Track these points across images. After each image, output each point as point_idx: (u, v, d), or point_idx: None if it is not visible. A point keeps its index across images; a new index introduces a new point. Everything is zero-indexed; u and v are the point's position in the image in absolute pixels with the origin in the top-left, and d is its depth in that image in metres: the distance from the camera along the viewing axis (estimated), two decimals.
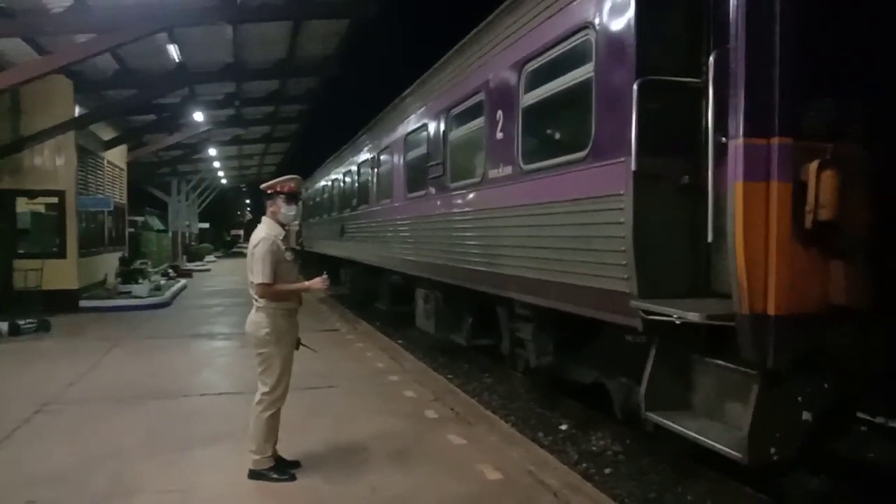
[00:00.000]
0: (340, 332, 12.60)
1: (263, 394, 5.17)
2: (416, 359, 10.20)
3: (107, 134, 20.85)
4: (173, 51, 14.84)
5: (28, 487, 4.99)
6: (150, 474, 5.31)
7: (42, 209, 16.69)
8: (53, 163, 16.48)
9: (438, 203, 9.40)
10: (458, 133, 8.96)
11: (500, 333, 8.32)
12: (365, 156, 15.29)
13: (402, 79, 12.68)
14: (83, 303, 16.40)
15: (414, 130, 10.91)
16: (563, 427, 7.37)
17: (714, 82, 4.05)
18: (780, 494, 5.26)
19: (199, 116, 20.72)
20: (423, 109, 10.48)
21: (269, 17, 13.63)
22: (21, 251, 16.13)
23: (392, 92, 12.86)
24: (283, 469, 5.22)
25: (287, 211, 5.37)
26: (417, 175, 10.56)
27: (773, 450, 3.89)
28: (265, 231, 5.21)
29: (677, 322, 4.14)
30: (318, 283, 5.32)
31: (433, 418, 6.81)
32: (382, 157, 13.45)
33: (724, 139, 3.98)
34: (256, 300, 5.17)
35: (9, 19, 11.55)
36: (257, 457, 5.17)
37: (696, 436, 4.18)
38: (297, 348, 5.35)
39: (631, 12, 4.71)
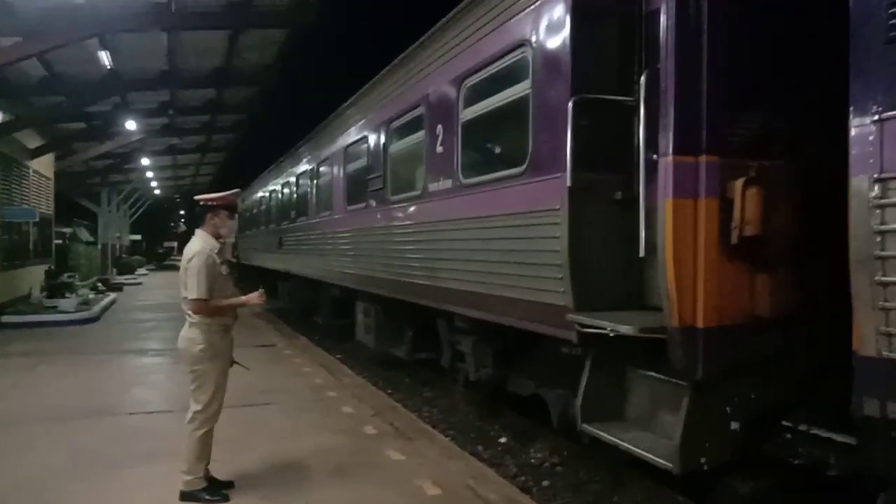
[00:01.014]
0: (278, 348, 12.44)
1: (196, 412, 5.03)
2: (356, 374, 10.13)
3: (33, 142, 20.22)
4: (105, 57, 14.41)
5: None
6: (75, 497, 5.16)
7: None
8: None
9: (379, 216, 9.38)
10: (398, 146, 8.98)
11: (441, 347, 8.34)
12: (304, 167, 15.16)
13: (342, 90, 12.66)
14: (6, 318, 15.85)
15: (354, 142, 10.87)
16: (503, 440, 7.41)
17: (645, 101, 4.18)
18: (712, 500, 5.38)
19: (131, 125, 20.25)
20: (363, 121, 10.46)
21: (205, 24, 13.45)
22: None
23: (332, 103, 12.81)
24: (215, 490, 5.09)
25: (231, 224, 5.31)
26: (358, 187, 10.51)
27: (703, 459, 4.00)
28: (200, 244, 5.08)
29: (611, 335, 4.23)
30: (255, 297, 5.25)
31: (372, 434, 6.77)
32: (322, 169, 13.36)
33: (654, 156, 4.10)
34: (190, 316, 5.05)
35: None
36: (189, 477, 5.02)
37: (629, 446, 4.27)
38: (231, 366, 5.25)
39: (566, 31, 4.81)
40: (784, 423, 6.43)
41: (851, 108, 3.05)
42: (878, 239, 2.92)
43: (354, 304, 11.44)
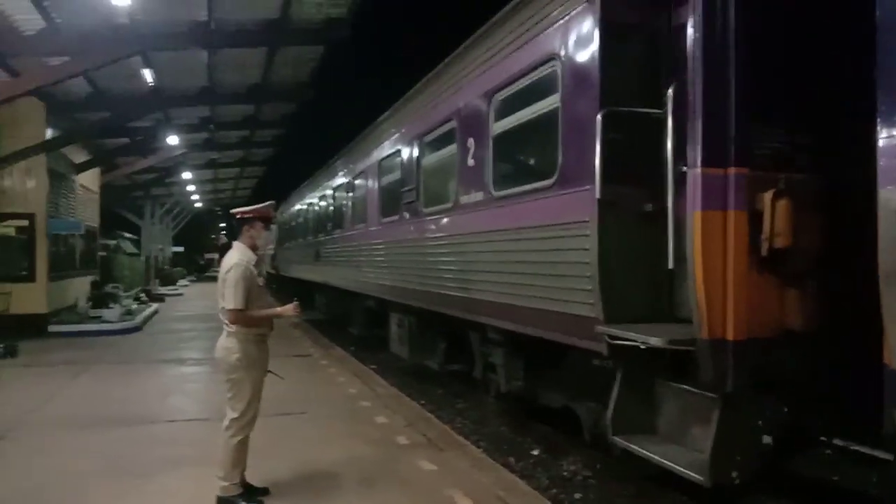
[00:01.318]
0: (313, 357, 12.55)
1: (232, 419, 5.13)
2: (389, 384, 10.16)
3: (79, 157, 20.76)
4: (147, 74, 14.89)
5: None
6: (111, 500, 5.29)
7: (11, 232, 16.46)
8: (24, 185, 16.38)
9: (412, 228, 9.48)
10: (430, 159, 9.09)
11: (473, 358, 8.37)
12: (340, 180, 15.37)
13: (376, 104, 12.87)
14: (52, 327, 16.18)
15: (388, 156, 11.02)
16: (535, 452, 7.37)
17: (673, 114, 4.19)
18: None
19: (173, 140, 20.78)
20: (396, 135, 10.60)
21: (243, 43, 13.81)
22: None
23: (367, 117, 13.02)
24: (251, 496, 5.17)
25: (267, 236, 5.40)
26: (391, 200, 10.65)
27: (734, 473, 3.98)
28: (238, 257, 5.20)
29: (642, 347, 4.23)
30: (290, 309, 5.32)
31: (404, 444, 6.80)
32: (357, 182, 13.54)
33: (683, 168, 4.10)
34: (227, 326, 5.16)
35: None
36: (225, 483, 5.11)
37: (660, 459, 4.26)
38: (266, 375, 5.35)
39: (595, 45, 4.85)
40: (822, 438, 6.35)
41: (879, 120, 3.03)
42: None
43: (388, 316, 11.55)
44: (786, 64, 3.95)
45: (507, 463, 6.89)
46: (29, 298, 15.97)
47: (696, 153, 3.97)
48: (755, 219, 3.83)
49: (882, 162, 2.99)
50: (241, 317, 5.08)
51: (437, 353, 9.61)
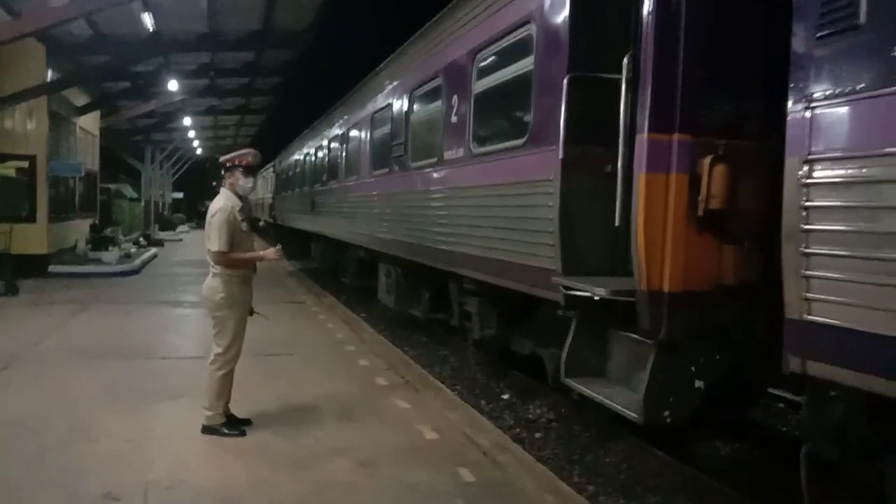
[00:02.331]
0: (306, 305, 12.89)
1: (217, 354, 5.48)
2: (376, 331, 10.51)
3: (80, 100, 20.77)
4: (147, 19, 14.84)
5: None
6: (107, 423, 5.63)
7: (12, 173, 16.63)
8: (24, 127, 16.48)
9: (400, 181, 9.75)
10: (419, 114, 9.31)
11: (452, 307, 8.73)
12: (335, 132, 15.53)
13: (374, 55, 12.89)
14: (52, 268, 16.48)
15: (380, 109, 11.21)
16: (505, 396, 7.79)
17: (627, 81, 4.45)
18: (690, 458, 5.74)
19: (173, 85, 20.77)
20: (388, 89, 10.78)
21: None
22: None
23: (365, 67, 13.08)
24: (234, 425, 5.53)
25: (244, 183, 5.63)
26: (382, 153, 10.89)
27: (666, 412, 4.34)
28: (222, 201, 5.46)
29: (595, 297, 4.58)
30: (272, 253, 5.63)
31: (383, 385, 7.16)
32: (351, 134, 13.72)
33: (634, 133, 4.38)
34: (213, 267, 5.46)
35: None
36: (210, 413, 5.47)
37: (602, 399, 4.64)
38: (251, 315, 5.66)
39: (566, 10, 5.09)
40: (773, 391, 6.76)
41: (789, 97, 3.32)
42: (804, 214, 3.21)
43: (377, 266, 11.89)
44: (733, 38, 4.17)
45: (478, 405, 7.29)
46: (30, 239, 16.10)
47: (644, 119, 4.25)
48: (695, 181, 4.11)
49: (789, 134, 3.30)
50: (223, 259, 5.36)
51: (421, 303, 9.95)
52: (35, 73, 16.19)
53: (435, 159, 8.22)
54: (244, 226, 5.58)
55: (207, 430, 5.47)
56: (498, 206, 6.33)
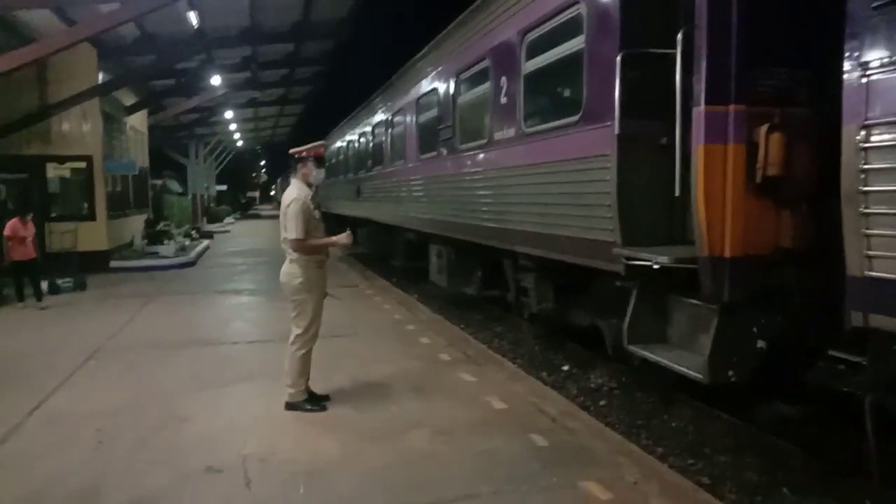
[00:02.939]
0: (360, 288, 13.20)
1: (297, 335, 5.78)
2: (432, 311, 10.78)
3: (129, 99, 21.38)
4: (192, 16, 15.18)
5: (93, 419, 5.66)
6: (197, 407, 5.97)
7: (71, 174, 17.27)
8: (80, 129, 17.04)
9: (449, 164, 9.96)
10: (466, 97, 9.48)
11: (507, 284, 8.94)
12: (379, 118, 15.76)
13: (415, 40, 13.08)
14: (113, 263, 17.11)
15: (426, 94, 11.41)
16: (565, 368, 7.98)
17: (682, 55, 4.59)
18: (755, 420, 5.89)
19: (216, 80, 21.15)
20: (434, 74, 10.96)
21: None
22: (53, 214, 16.75)
23: (405, 53, 13.24)
24: (315, 401, 5.86)
25: (317, 173, 5.95)
26: (429, 137, 11.10)
27: (730, 372, 4.53)
28: (296, 192, 5.74)
29: (655, 266, 4.77)
30: (344, 238, 5.92)
31: (447, 360, 7.40)
32: (396, 120, 13.94)
33: (690, 106, 4.54)
34: (289, 253, 5.75)
35: None
36: (292, 390, 5.79)
37: (667, 362, 4.83)
38: (325, 297, 5.95)
39: None
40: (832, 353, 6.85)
41: (845, 65, 3.47)
42: (863, 176, 3.38)
43: (428, 248, 12.16)
44: (783, 7, 4.28)
45: (540, 377, 7.46)
46: (91, 236, 16.74)
47: (700, 92, 4.39)
48: (752, 150, 4.26)
49: (845, 101, 3.45)
50: (301, 245, 5.65)
51: (474, 281, 10.18)
52: (88, 77, 16.74)
53: (485, 140, 8.40)
54: (316, 213, 5.88)
55: (291, 406, 5.79)
56: (553, 182, 6.52)
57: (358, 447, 4.97)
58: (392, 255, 16.42)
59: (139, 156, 23.37)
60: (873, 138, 3.33)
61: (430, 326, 9.28)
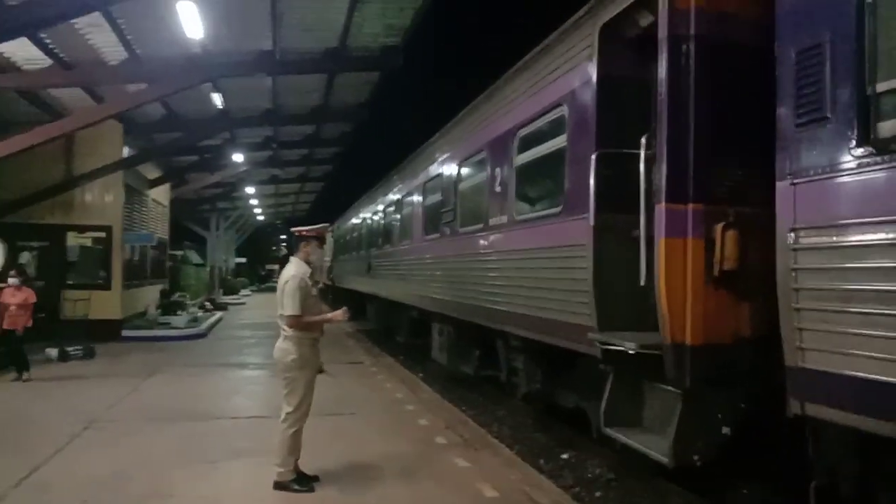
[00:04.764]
0: (364, 365, 13.26)
1: (288, 413, 5.80)
2: (433, 391, 10.77)
3: (152, 173, 22.10)
4: (216, 98, 15.91)
5: (80, 489, 5.77)
6: (183, 482, 6.00)
7: (90, 243, 17.70)
8: (102, 200, 17.66)
9: (449, 245, 10.34)
10: (466, 183, 9.95)
11: (500, 364, 9.11)
12: (389, 198, 16.34)
13: (427, 125, 13.60)
14: (125, 332, 17.38)
15: (431, 178, 11.92)
16: (564, 456, 7.81)
17: (646, 157, 4.98)
18: None
19: (238, 157, 21.93)
20: (439, 160, 11.49)
21: (304, 69, 14.75)
22: (69, 282, 17.17)
23: (418, 137, 13.79)
24: (303, 481, 5.81)
25: (319, 254, 6.19)
26: (433, 219, 11.56)
27: (695, 456, 4.69)
28: (294, 269, 5.94)
29: (629, 351, 5.00)
30: (340, 314, 6.10)
31: (442, 444, 7.34)
32: (404, 201, 14.46)
33: (653, 202, 4.88)
34: (284, 330, 5.87)
35: (69, 71, 12.77)
36: (281, 469, 5.77)
37: (638, 446, 5.00)
38: (321, 373, 6.08)
39: (593, 93, 5.69)
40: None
41: (776, 174, 3.81)
42: (793, 274, 3.66)
43: (430, 325, 12.40)
44: (735, 119, 4.64)
45: (537, 464, 7.30)
46: (105, 305, 17.16)
47: (661, 191, 4.74)
48: (710, 244, 4.55)
49: (778, 206, 3.77)
50: (297, 322, 5.79)
51: (472, 360, 10.35)
52: (113, 151, 17.48)
53: (481, 225, 8.77)
54: (314, 291, 6.05)
55: (279, 486, 5.77)
56: (538, 267, 6.85)
57: None
58: (399, 331, 16.64)
59: (160, 227, 23.98)
60: (801, 240, 3.63)
61: (430, 407, 9.28)
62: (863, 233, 3.32)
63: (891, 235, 3.19)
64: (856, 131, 3.38)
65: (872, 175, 3.29)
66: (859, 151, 3.37)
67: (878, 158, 3.26)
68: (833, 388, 3.44)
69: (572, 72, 6.18)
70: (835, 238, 3.46)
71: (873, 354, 3.23)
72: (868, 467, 3.63)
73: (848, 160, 3.40)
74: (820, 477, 3.84)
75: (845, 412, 3.37)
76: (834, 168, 3.47)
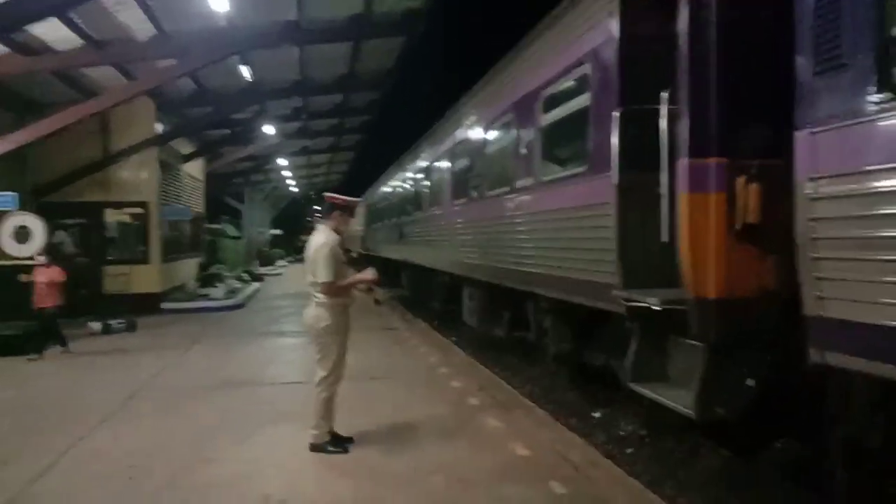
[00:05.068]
0: (399, 331, 13.53)
1: (322, 377, 5.98)
2: (466, 354, 10.97)
3: (186, 148, 22.44)
4: (245, 71, 15.98)
5: (127, 455, 6.00)
6: (225, 447, 6.22)
7: (128, 219, 18.16)
8: (138, 176, 18.04)
9: (477, 209, 10.36)
10: (493, 147, 9.92)
11: (530, 325, 9.19)
12: (419, 165, 16.39)
13: (454, 90, 13.49)
14: (165, 305, 17.82)
15: (459, 143, 11.92)
16: (596, 414, 7.96)
17: (667, 114, 4.93)
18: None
19: (269, 130, 22.07)
20: (465, 125, 11.48)
21: (330, 38, 14.80)
22: (110, 258, 17.67)
23: (445, 102, 13.75)
24: (338, 443, 6.02)
25: (349, 225, 6.32)
26: (461, 184, 11.58)
27: (719, 409, 4.73)
28: (324, 237, 6.03)
29: (654, 307, 5.03)
30: (369, 273, 6.23)
31: (475, 405, 7.50)
32: (433, 167, 14.49)
33: (675, 158, 4.86)
34: (316, 297, 5.99)
35: (100, 50, 12.95)
36: (316, 432, 5.98)
37: (663, 400, 5.04)
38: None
39: (615, 50, 5.65)
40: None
41: (796, 123, 3.77)
42: (812, 224, 3.65)
43: (462, 289, 12.50)
44: (756, 70, 4.57)
45: (569, 423, 7.38)
46: (144, 279, 17.64)
47: (683, 146, 4.72)
48: (732, 199, 4.52)
49: (797, 156, 3.74)
50: (331, 288, 5.91)
51: (503, 323, 10.43)
52: (146, 127, 17.78)
53: (508, 188, 8.78)
54: (344, 258, 6.18)
55: (314, 448, 5.98)
56: (564, 227, 6.85)
57: (376, 490, 5.12)
58: (431, 297, 16.81)
59: (195, 202, 24.37)
60: (821, 189, 3.61)
61: (463, 370, 9.42)
62: (883, 179, 3.28)
63: None
64: (875, 77, 3.33)
65: (889, 121, 3.26)
66: (878, 97, 3.33)
67: None
68: (852, 337, 3.45)
69: (594, 29, 6.11)
70: (854, 186, 3.43)
71: (892, 302, 3.22)
72: (891, 416, 3.64)
73: (867, 106, 3.36)
74: (844, 428, 3.86)
75: (865, 360, 3.38)
76: (853, 115, 3.43)
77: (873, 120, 3.33)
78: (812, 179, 3.66)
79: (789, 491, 5.49)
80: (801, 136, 3.76)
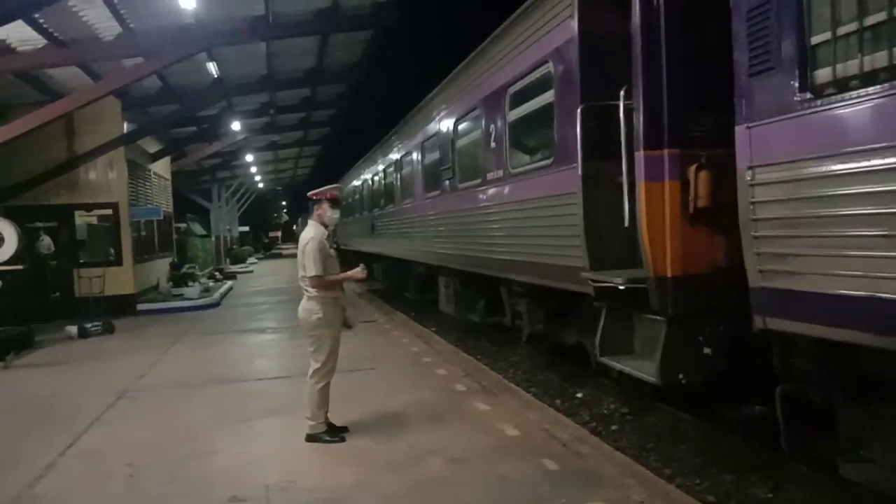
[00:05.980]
0: (378, 323, 13.49)
1: (315, 369, 6.05)
2: (448, 342, 11.07)
3: (152, 147, 22.17)
4: (212, 67, 15.75)
5: (124, 454, 5.99)
6: (222, 441, 6.28)
7: (98, 221, 17.83)
8: (106, 177, 17.73)
9: (450, 201, 10.79)
10: (463, 141, 10.34)
11: (504, 310, 9.62)
12: (390, 159, 16.64)
13: (422, 83, 13.77)
14: (140, 306, 17.62)
15: (429, 138, 12.29)
16: (579, 395, 8.20)
17: (624, 108, 5.40)
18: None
19: (236, 126, 21.96)
20: (436, 119, 11.83)
21: (298, 32, 14.60)
22: (82, 261, 17.25)
23: (414, 95, 13.95)
24: (334, 433, 6.11)
25: (332, 214, 6.40)
26: (433, 177, 11.96)
27: (680, 375, 5.23)
28: (312, 231, 6.12)
29: (620, 287, 5.48)
30: (358, 272, 6.39)
31: (462, 391, 7.63)
32: (404, 160, 14.80)
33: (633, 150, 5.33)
34: (307, 291, 6.06)
35: (64, 49, 12.74)
36: (312, 422, 6.05)
37: (629, 369, 5.56)
38: (347, 328, 6.39)
39: (576, 49, 6.11)
40: None
41: (735, 118, 4.28)
42: (752, 207, 4.17)
43: (437, 279, 12.89)
44: (704, 69, 5.00)
45: (554, 404, 7.66)
46: (118, 281, 17.07)
47: (639, 139, 5.19)
48: (685, 185, 5.01)
49: (737, 147, 4.25)
50: (320, 282, 6.00)
51: (478, 309, 10.84)
52: (113, 127, 17.52)
53: (479, 180, 9.21)
54: (332, 252, 6.33)
55: (311, 438, 6.07)
56: (534, 216, 7.33)
57: (374, 475, 5.23)
58: (406, 287, 17.07)
59: (163, 201, 24.09)
60: (757, 177, 4.12)
61: (447, 358, 9.53)
62: (807, 167, 3.77)
63: (829, 168, 3.65)
64: (797, 79, 3.81)
65: (811, 117, 3.75)
66: (800, 97, 3.81)
67: (816, 102, 3.71)
68: (788, 304, 3.95)
69: (556, 29, 6.55)
70: (784, 173, 3.92)
71: (818, 271, 3.72)
72: (822, 370, 4.16)
73: (793, 105, 3.84)
74: (785, 383, 4.39)
75: (800, 322, 3.89)
76: (781, 112, 3.91)
77: (799, 116, 3.81)
78: (750, 168, 4.15)
79: (755, 449, 5.93)
80: (740, 130, 4.24)
